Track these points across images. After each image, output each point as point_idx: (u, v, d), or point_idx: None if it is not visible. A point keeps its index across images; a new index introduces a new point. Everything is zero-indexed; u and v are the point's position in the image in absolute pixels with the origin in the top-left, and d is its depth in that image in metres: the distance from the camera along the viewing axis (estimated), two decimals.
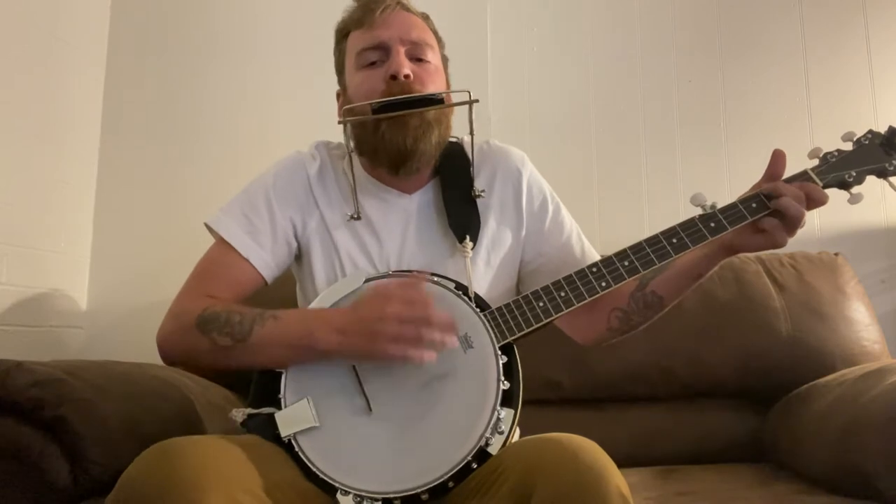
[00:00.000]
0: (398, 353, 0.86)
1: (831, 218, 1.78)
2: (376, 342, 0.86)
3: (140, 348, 1.36)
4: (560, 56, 1.95)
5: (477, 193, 1.08)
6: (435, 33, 1.11)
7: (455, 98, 1.04)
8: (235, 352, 0.92)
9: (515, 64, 1.95)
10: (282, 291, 1.14)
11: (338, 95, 1.13)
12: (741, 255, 1.15)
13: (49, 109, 1.76)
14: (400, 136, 1.00)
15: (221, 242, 1.04)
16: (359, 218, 1.06)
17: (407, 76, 1.02)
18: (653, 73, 1.92)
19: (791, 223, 0.94)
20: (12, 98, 1.63)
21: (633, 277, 0.98)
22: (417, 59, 1.05)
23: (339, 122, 1.02)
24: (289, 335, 0.91)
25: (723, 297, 1.50)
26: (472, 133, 1.06)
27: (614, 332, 1.10)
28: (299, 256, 1.10)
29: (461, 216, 1.06)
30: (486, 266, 1.08)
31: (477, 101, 1.00)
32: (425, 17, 1.11)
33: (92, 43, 1.93)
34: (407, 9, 1.08)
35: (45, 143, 1.74)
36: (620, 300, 1.08)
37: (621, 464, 0.79)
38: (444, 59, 1.13)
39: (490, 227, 1.09)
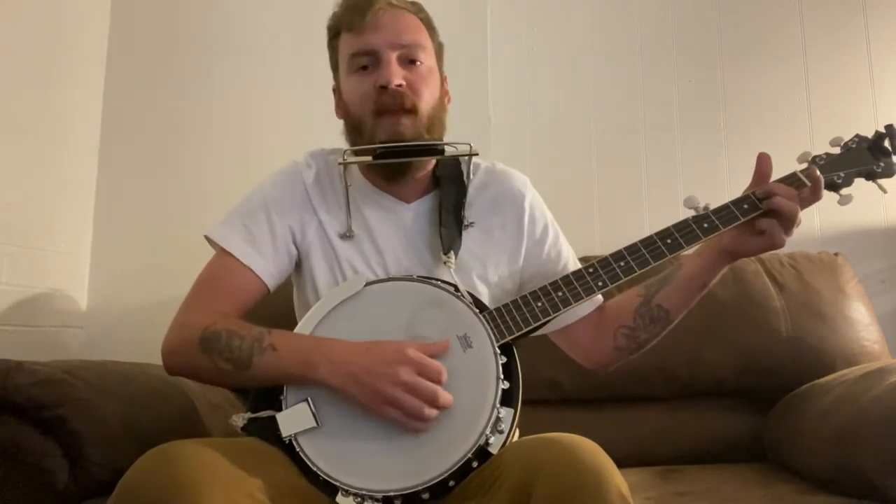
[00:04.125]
0: (396, 417, 0.86)
1: (831, 218, 1.78)
2: (377, 402, 0.86)
3: (140, 348, 1.36)
4: (560, 56, 1.95)
5: (466, 223, 1.08)
6: (427, 23, 1.10)
7: (457, 149, 1.04)
8: (237, 377, 0.92)
9: (515, 64, 1.95)
10: (278, 299, 1.13)
11: (334, 90, 1.13)
12: None
13: (49, 109, 1.76)
14: (396, 167, 1.04)
15: (222, 253, 1.04)
16: (351, 236, 1.06)
17: (399, 85, 1.01)
18: (653, 73, 1.92)
19: (787, 222, 0.95)
20: (12, 98, 1.63)
21: (629, 277, 0.98)
22: (409, 62, 1.04)
23: (340, 164, 1.03)
24: (288, 367, 0.90)
25: (723, 297, 1.50)
26: (468, 178, 1.10)
27: (622, 350, 1.09)
28: (298, 263, 1.09)
29: (450, 235, 1.05)
30: (482, 282, 1.08)
31: (476, 153, 1.04)
32: (417, 10, 1.09)
33: (92, 43, 1.93)
34: (397, 6, 1.06)
35: (45, 143, 1.74)
36: (625, 317, 1.07)
37: (621, 464, 0.79)
38: (439, 48, 1.12)
39: (476, 254, 1.08)
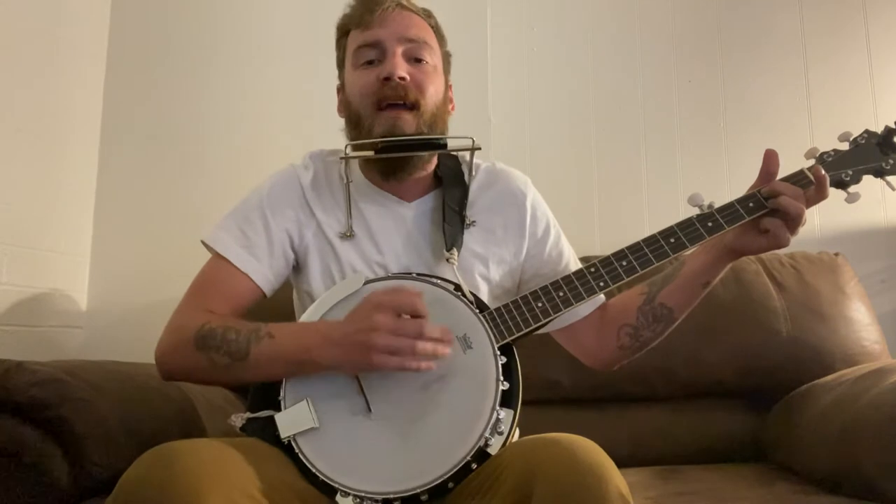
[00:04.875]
0: (395, 364, 0.85)
1: (831, 218, 1.78)
2: (371, 354, 0.85)
3: (140, 348, 1.35)
4: (560, 56, 1.95)
5: (468, 222, 1.08)
6: (436, 30, 1.10)
7: (458, 143, 1.04)
8: (234, 370, 0.91)
9: (515, 64, 1.95)
10: (278, 298, 1.13)
11: (338, 90, 1.13)
12: None
13: (49, 109, 1.75)
14: (394, 161, 1.03)
15: (218, 257, 1.03)
16: (351, 236, 1.06)
17: (403, 78, 1.01)
18: (653, 73, 1.92)
19: (792, 222, 0.95)
20: (13, 98, 1.63)
21: (631, 277, 0.98)
22: (415, 60, 1.04)
23: (341, 159, 1.04)
24: (286, 353, 0.90)
25: (723, 297, 1.50)
26: (471, 173, 1.10)
27: (625, 350, 1.08)
28: (297, 266, 1.09)
29: (453, 232, 1.05)
30: (484, 280, 1.08)
31: (479, 148, 1.03)
32: (427, 15, 1.10)
33: (92, 43, 1.93)
34: (407, 8, 1.07)
35: (45, 143, 1.74)
36: (629, 316, 1.07)
37: (621, 464, 0.79)
38: (446, 56, 1.12)
39: (478, 253, 1.08)
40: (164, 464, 0.73)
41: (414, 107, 1.02)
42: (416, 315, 0.86)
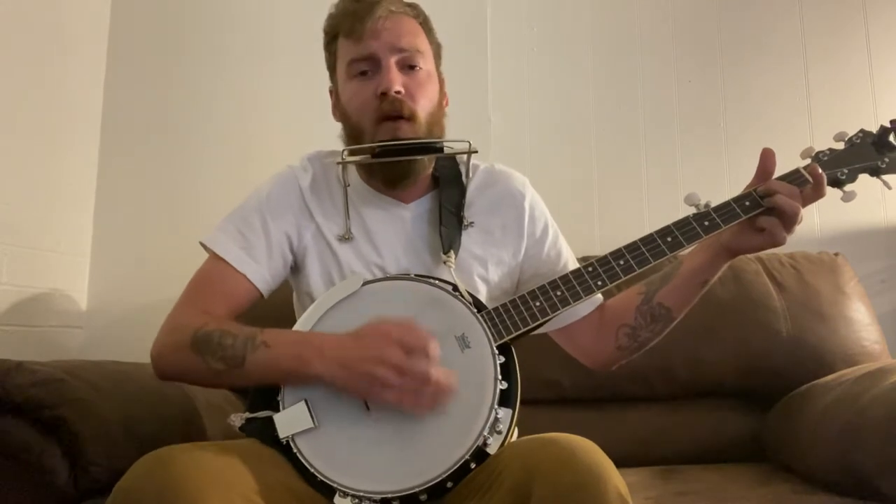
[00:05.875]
0: (392, 400, 0.85)
1: (831, 218, 1.78)
2: (372, 386, 0.85)
3: (140, 348, 1.35)
4: (560, 56, 1.95)
5: (466, 223, 1.08)
6: (426, 25, 1.10)
7: (455, 146, 1.04)
8: (229, 376, 0.91)
9: (515, 64, 1.95)
10: (277, 300, 1.12)
11: (330, 92, 1.13)
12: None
13: (49, 109, 1.76)
14: (395, 167, 1.03)
15: (216, 258, 1.03)
16: (349, 238, 1.06)
17: (399, 92, 1.02)
18: (653, 73, 1.92)
19: (789, 220, 0.95)
20: (13, 98, 1.63)
21: (629, 276, 0.98)
22: (409, 67, 1.04)
23: (339, 164, 1.05)
24: (281, 363, 0.89)
25: (723, 297, 1.50)
26: (467, 176, 1.10)
27: (623, 350, 1.09)
28: (296, 268, 1.09)
29: (450, 234, 1.05)
30: (483, 281, 1.08)
31: (476, 151, 1.04)
32: (415, 13, 1.09)
33: (92, 43, 1.93)
34: (395, 12, 1.05)
35: (45, 143, 1.74)
36: (627, 316, 1.07)
37: (621, 464, 0.79)
38: (437, 49, 1.12)
39: (476, 254, 1.08)
40: (161, 468, 0.73)
41: (410, 118, 1.02)
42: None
